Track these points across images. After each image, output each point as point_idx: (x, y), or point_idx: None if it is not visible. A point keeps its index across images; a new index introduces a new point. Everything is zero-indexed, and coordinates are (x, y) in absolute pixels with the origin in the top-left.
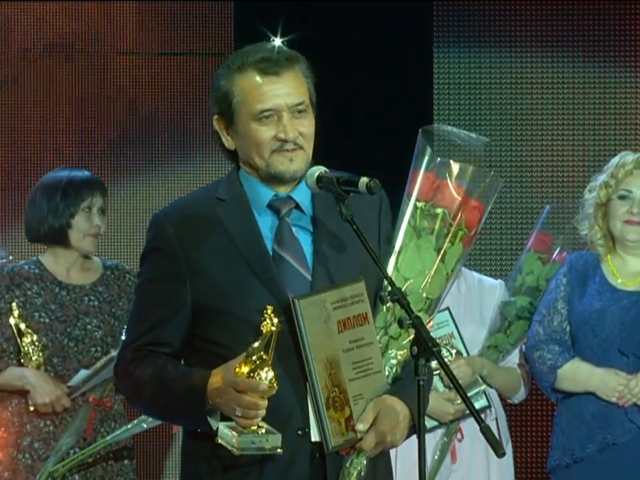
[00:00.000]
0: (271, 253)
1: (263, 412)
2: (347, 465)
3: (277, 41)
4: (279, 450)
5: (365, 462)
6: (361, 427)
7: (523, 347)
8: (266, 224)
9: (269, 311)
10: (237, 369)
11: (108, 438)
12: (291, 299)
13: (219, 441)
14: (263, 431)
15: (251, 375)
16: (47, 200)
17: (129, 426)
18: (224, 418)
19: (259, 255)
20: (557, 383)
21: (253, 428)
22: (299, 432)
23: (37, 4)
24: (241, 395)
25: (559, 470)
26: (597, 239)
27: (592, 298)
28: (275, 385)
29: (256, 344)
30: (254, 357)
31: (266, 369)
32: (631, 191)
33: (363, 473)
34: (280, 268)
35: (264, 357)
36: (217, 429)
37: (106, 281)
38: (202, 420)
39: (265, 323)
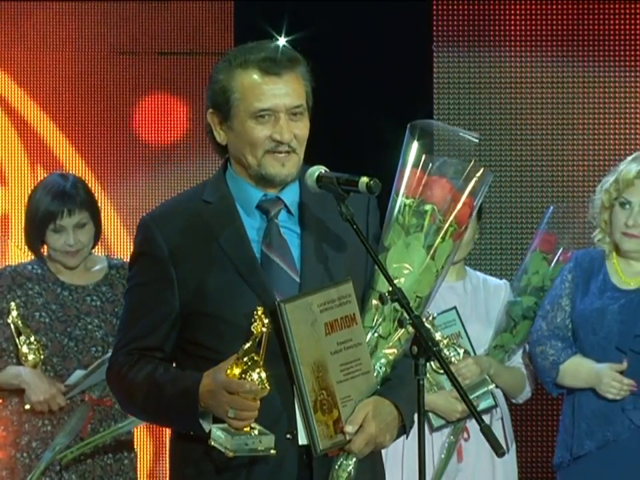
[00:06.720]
0: (259, 255)
1: (255, 413)
2: (336, 467)
3: (282, 40)
4: (272, 451)
5: (353, 463)
6: (349, 429)
7: (527, 346)
8: (254, 226)
9: (259, 312)
10: (229, 371)
11: (107, 431)
12: (277, 303)
13: (212, 443)
14: (256, 432)
15: (243, 376)
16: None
17: (127, 422)
18: (216, 420)
19: (247, 258)
20: (559, 379)
21: (245, 429)
22: (287, 435)
23: (37, 4)
24: (233, 396)
25: (562, 467)
26: (601, 237)
27: (593, 296)
28: (267, 385)
29: (247, 345)
30: (245, 358)
31: (257, 369)
32: (630, 202)
33: (352, 475)
34: (268, 271)
35: (255, 357)
36: (210, 431)
37: (110, 281)
38: (194, 422)
39: (255, 324)
